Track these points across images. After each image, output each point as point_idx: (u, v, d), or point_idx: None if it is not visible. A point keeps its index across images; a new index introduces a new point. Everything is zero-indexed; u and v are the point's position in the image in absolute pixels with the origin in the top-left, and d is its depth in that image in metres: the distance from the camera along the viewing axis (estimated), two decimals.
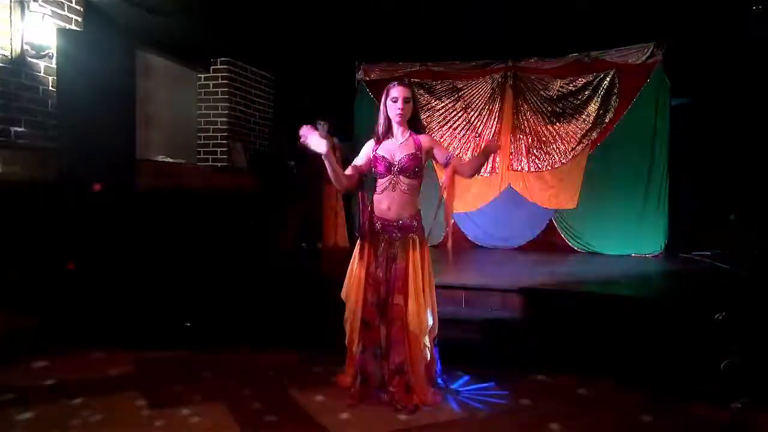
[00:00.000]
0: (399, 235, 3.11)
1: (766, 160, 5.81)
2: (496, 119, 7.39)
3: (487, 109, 7.42)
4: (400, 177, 3.10)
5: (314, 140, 2.77)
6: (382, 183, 3.14)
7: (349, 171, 3.20)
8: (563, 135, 7.18)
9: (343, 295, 3.23)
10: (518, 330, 4.20)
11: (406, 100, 3.08)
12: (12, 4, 4.14)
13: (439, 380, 3.30)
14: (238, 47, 6.64)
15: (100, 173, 4.33)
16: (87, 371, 3.53)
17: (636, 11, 5.88)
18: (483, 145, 3.27)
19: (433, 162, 3.30)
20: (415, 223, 3.15)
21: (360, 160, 3.23)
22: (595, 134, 7.05)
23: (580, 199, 7.09)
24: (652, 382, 3.40)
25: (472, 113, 7.49)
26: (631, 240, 6.85)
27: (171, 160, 5.95)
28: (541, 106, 7.25)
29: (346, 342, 3.23)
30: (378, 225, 3.13)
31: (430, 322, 3.09)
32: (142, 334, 4.06)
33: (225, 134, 6.71)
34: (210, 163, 6.72)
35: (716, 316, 3.55)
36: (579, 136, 7.11)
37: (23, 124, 4.26)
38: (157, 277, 4.50)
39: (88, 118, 4.26)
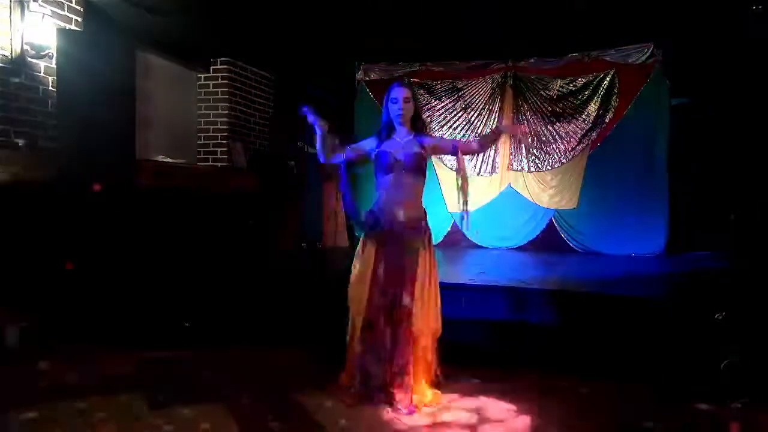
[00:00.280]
0: (407, 235, 3.10)
1: (766, 160, 5.80)
2: (496, 119, 7.39)
3: (487, 109, 7.42)
4: (406, 175, 3.09)
5: (311, 115, 3.05)
6: (386, 181, 3.12)
7: (340, 148, 3.24)
8: (563, 135, 7.18)
9: (349, 297, 3.20)
10: (518, 330, 4.20)
11: (405, 100, 3.09)
12: (12, 4, 4.14)
13: (439, 380, 3.30)
14: (238, 47, 6.63)
15: (100, 173, 4.32)
16: (87, 371, 3.52)
17: (635, 11, 5.87)
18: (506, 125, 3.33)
19: (434, 156, 3.29)
20: (423, 223, 3.16)
21: (355, 146, 3.25)
22: (595, 134, 7.06)
23: (580, 198, 7.10)
24: (652, 382, 3.40)
25: (472, 113, 7.49)
26: (631, 240, 6.85)
27: (171, 160, 5.95)
28: (541, 106, 7.25)
29: (347, 342, 3.21)
30: (384, 224, 3.12)
31: (436, 323, 3.10)
32: (142, 334, 4.06)
33: (225, 134, 6.70)
34: (210, 163, 6.72)
35: (716, 315, 3.56)
36: (579, 136, 7.11)
37: (23, 124, 4.26)
38: (157, 277, 4.50)
39: (88, 118, 4.26)
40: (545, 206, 7.27)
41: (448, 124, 7.56)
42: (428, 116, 7.51)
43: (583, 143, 7.10)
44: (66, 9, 4.60)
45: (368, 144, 3.22)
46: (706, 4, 5.57)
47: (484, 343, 4.06)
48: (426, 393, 3.09)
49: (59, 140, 4.35)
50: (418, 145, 3.12)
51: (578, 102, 7.10)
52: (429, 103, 7.56)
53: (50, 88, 4.45)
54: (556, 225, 7.26)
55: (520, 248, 7.36)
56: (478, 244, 7.45)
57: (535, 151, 7.30)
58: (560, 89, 7.17)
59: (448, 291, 4.32)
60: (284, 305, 4.55)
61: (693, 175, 6.72)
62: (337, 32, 6.46)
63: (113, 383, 3.32)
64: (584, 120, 7.09)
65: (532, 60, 7.26)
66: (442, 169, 7.18)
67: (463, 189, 3.24)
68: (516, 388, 3.33)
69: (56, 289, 4.14)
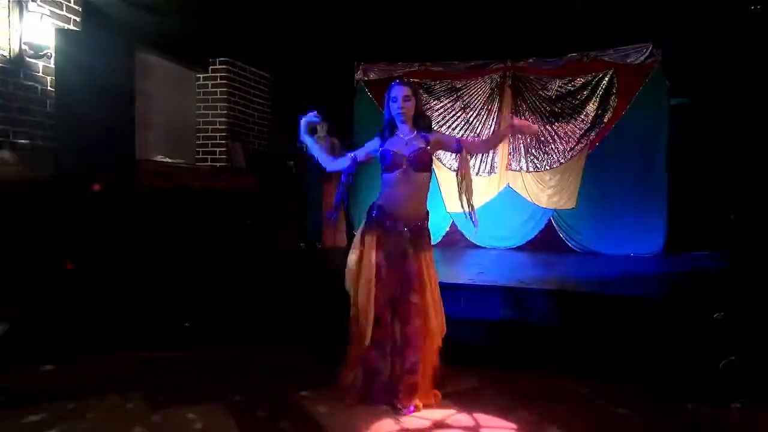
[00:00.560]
0: (411, 232, 3.10)
1: (765, 159, 5.81)
2: (495, 119, 7.40)
3: (486, 109, 7.43)
4: (411, 171, 3.09)
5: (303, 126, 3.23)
6: (392, 178, 3.11)
7: (343, 160, 3.28)
8: (562, 135, 7.19)
9: (347, 285, 3.17)
10: (517, 330, 4.20)
11: (405, 98, 3.10)
12: (10, 3, 4.13)
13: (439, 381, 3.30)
14: (237, 47, 6.63)
15: (99, 173, 4.32)
16: (87, 371, 3.52)
17: (634, 11, 5.88)
18: (516, 123, 3.36)
19: (439, 153, 3.30)
20: (427, 222, 3.17)
21: (359, 151, 3.25)
22: (593, 134, 7.06)
23: (578, 198, 7.11)
24: (651, 382, 3.40)
25: (471, 113, 7.49)
26: (630, 239, 6.86)
27: (170, 160, 5.94)
28: (540, 106, 7.25)
29: (349, 340, 3.19)
30: (388, 221, 3.11)
31: (443, 324, 3.11)
32: (142, 334, 4.05)
33: (224, 134, 6.70)
34: (209, 163, 6.71)
35: (715, 315, 3.56)
36: (578, 136, 7.12)
37: (21, 124, 4.25)
38: (157, 277, 4.50)
39: (87, 118, 4.25)
40: (544, 206, 7.27)
41: (447, 124, 7.56)
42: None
43: (582, 143, 7.10)
44: (64, 9, 4.59)
45: (372, 144, 3.22)
46: (704, 4, 5.58)
47: (483, 343, 4.06)
48: (429, 393, 3.09)
49: (58, 140, 4.34)
50: (422, 141, 3.12)
51: (577, 102, 7.11)
52: (428, 103, 7.55)
53: (49, 88, 4.44)
54: (554, 225, 7.26)
55: (518, 248, 7.37)
56: (477, 244, 7.45)
57: (533, 151, 7.30)
58: (559, 89, 7.18)
59: (448, 291, 4.31)
60: (284, 305, 4.55)
61: (692, 175, 6.73)
62: (336, 32, 6.46)
63: (113, 383, 3.32)
64: (583, 120, 7.09)
65: (530, 60, 7.27)
66: (442, 169, 7.18)
67: (467, 188, 3.24)
68: (515, 387, 3.33)
69: (56, 289, 4.13)
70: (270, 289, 4.73)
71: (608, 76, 6.96)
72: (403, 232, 3.09)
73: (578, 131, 7.12)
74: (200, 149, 6.77)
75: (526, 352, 3.88)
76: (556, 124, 7.21)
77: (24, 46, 4.23)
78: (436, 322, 3.07)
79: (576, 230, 7.17)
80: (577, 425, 2.88)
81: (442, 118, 7.57)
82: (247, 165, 6.85)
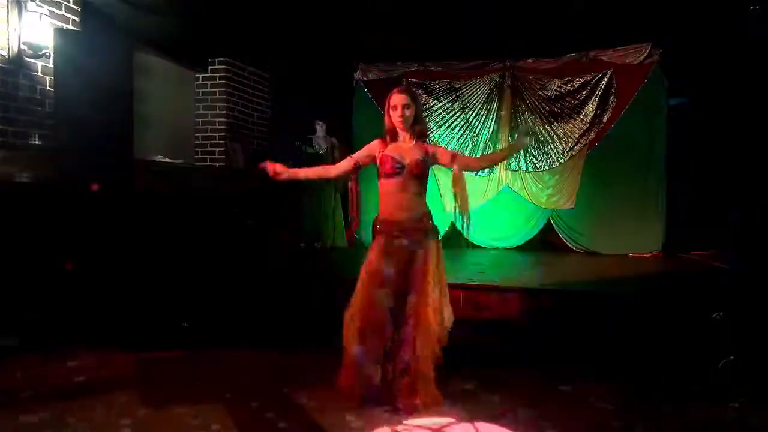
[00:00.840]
0: (414, 235, 3.11)
1: (764, 159, 5.81)
2: (494, 119, 7.40)
3: (485, 109, 7.43)
4: (409, 179, 3.10)
5: (271, 171, 3.35)
6: (390, 184, 3.13)
7: (344, 162, 3.29)
8: (561, 135, 7.19)
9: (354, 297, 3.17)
10: (516, 330, 4.20)
11: (405, 107, 3.11)
12: (9, 3, 4.13)
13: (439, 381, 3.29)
14: (236, 47, 6.62)
15: (98, 173, 4.31)
16: (87, 372, 3.52)
17: (633, 11, 5.88)
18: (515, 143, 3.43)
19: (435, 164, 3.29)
20: (430, 223, 3.18)
21: (360, 154, 3.25)
22: (592, 134, 7.07)
23: (578, 198, 7.12)
24: (650, 382, 3.40)
25: (470, 113, 7.49)
26: (629, 239, 6.87)
27: (169, 161, 5.94)
28: (539, 106, 7.26)
29: (345, 342, 3.19)
30: (389, 226, 3.12)
31: (446, 322, 3.11)
32: (142, 334, 4.05)
33: (223, 134, 6.70)
34: (208, 164, 6.71)
35: (714, 315, 3.56)
36: (577, 135, 7.12)
37: (20, 124, 4.24)
38: (157, 277, 4.49)
39: (86, 118, 4.24)
40: (543, 206, 7.28)
41: (446, 124, 7.57)
42: (426, 116, 7.51)
43: (581, 143, 7.10)
44: (63, 9, 4.59)
45: (373, 148, 3.22)
46: (704, 4, 5.58)
47: (482, 343, 4.06)
48: (428, 393, 3.08)
49: (57, 140, 4.34)
50: (422, 151, 3.13)
51: (576, 102, 7.11)
52: (427, 103, 7.56)
53: (47, 87, 4.44)
54: (554, 225, 7.27)
55: (518, 248, 7.37)
56: (477, 244, 7.45)
57: (533, 151, 7.30)
58: (558, 89, 7.18)
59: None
60: (283, 305, 4.55)
61: (691, 175, 6.74)
62: (336, 32, 6.46)
63: (113, 384, 3.32)
64: (582, 120, 7.10)
65: (530, 60, 7.27)
66: (442, 170, 7.16)
67: (462, 204, 3.25)
68: (514, 387, 3.32)
69: (56, 290, 4.12)
70: (269, 290, 4.73)
71: (607, 76, 6.96)
72: (403, 238, 3.10)
73: (577, 131, 7.12)
74: (199, 149, 6.77)
75: (524, 352, 3.88)
76: (555, 124, 7.21)
77: (23, 46, 4.23)
78: (438, 321, 3.06)
79: (575, 230, 7.18)
80: (577, 425, 2.88)
81: (441, 118, 7.58)
82: (247, 165, 6.86)
